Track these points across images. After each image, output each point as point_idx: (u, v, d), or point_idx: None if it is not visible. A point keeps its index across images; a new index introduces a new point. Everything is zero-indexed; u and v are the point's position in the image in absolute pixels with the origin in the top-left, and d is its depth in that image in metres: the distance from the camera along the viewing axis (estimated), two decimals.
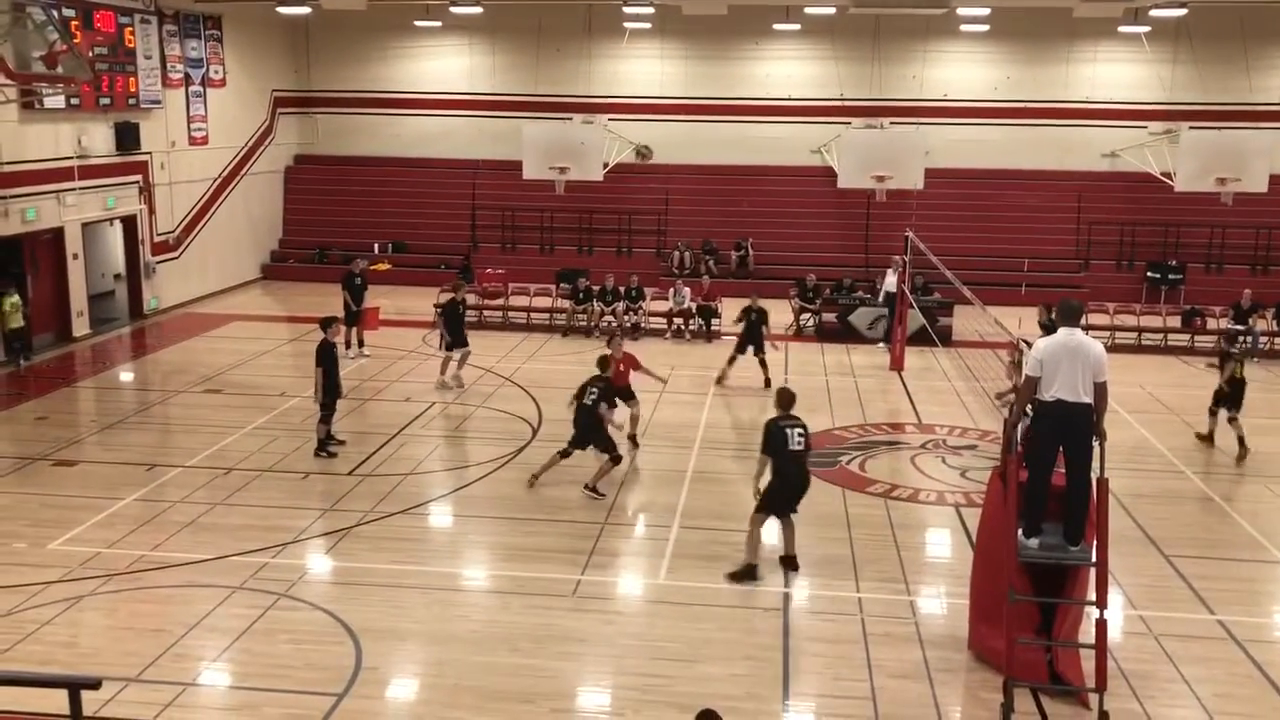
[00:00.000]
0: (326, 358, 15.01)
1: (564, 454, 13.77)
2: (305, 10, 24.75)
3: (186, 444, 15.41)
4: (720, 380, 19.11)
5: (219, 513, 12.90)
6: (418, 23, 28.74)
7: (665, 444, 16.00)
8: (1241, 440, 15.37)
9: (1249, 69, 28.24)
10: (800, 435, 11.18)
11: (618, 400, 14.99)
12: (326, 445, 15.04)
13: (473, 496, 13.68)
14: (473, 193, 29.74)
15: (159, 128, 24.58)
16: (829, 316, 23.59)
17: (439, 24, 28.82)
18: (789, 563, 11.51)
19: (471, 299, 24.37)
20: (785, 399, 11.46)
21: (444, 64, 30.89)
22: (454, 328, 18.53)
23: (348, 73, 31.05)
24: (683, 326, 23.43)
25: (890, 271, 23.18)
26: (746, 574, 11.22)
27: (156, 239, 24.81)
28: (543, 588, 11.01)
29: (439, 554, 12.07)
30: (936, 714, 8.82)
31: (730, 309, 23.99)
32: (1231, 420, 15.54)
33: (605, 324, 23.35)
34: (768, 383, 18.66)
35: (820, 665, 9.58)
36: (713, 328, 23.34)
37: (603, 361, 14.37)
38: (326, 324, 15.44)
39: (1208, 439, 16.01)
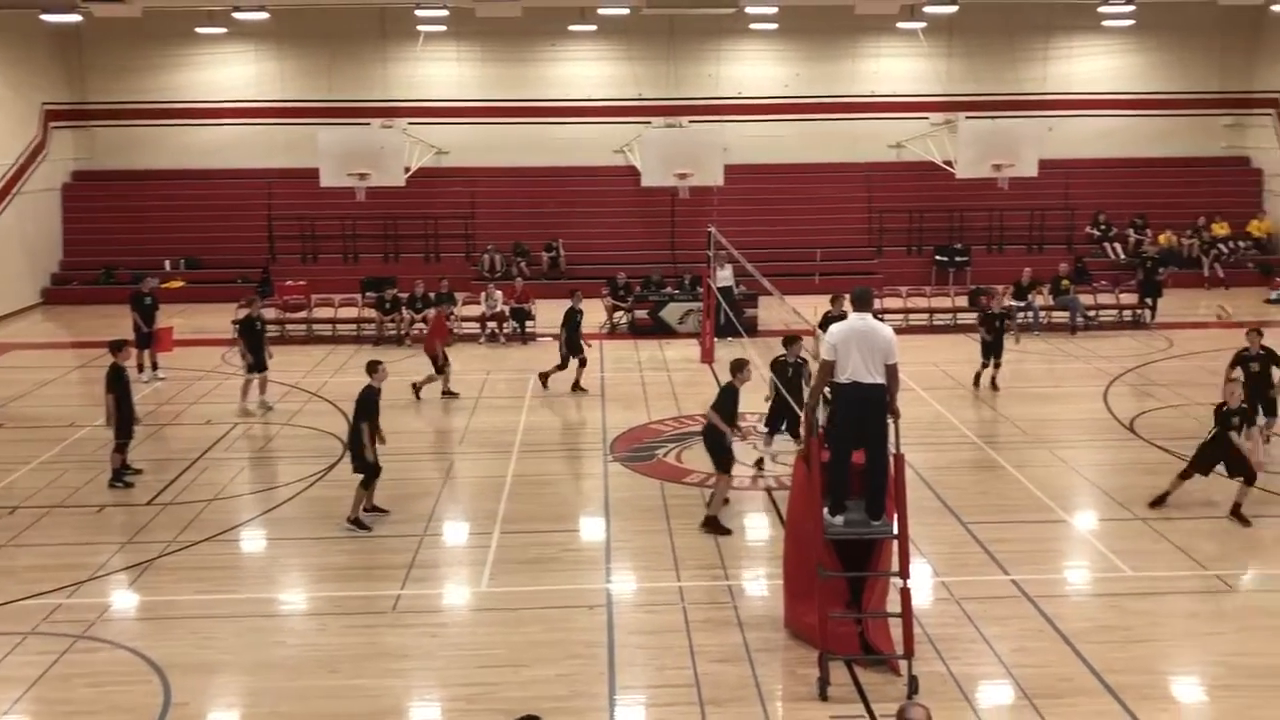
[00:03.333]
0: (117, 383, 14.22)
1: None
2: (75, 18, 23.35)
3: None
4: (577, 385, 18.84)
5: (5, 555, 12.06)
6: (200, 29, 27.53)
7: (484, 450, 15.87)
8: (994, 381, 18.35)
9: (1015, 61, 30.15)
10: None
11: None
12: (122, 475, 14.26)
13: (283, 518, 13.22)
14: (268, 203, 28.71)
15: None
16: (641, 313, 23.89)
17: (223, 30, 27.69)
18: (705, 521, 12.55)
19: (272, 313, 23.62)
20: (732, 365, 12.74)
21: (231, 71, 29.68)
22: (253, 347, 17.77)
23: (127, 83, 29.41)
24: (497, 330, 23.30)
25: (718, 266, 23.52)
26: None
27: None
28: (361, 606, 10.76)
29: (249, 580, 11.62)
30: (758, 694, 9.06)
31: (544, 310, 24.04)
32: (997, 366, 18.23)
33: (417, 331, 22.98)
34: (576, 385, 18.73)
35: (645, 657, 9.70)
36: (527, 330, 23.29)
37: (369, 366, 13.26)
38: (116, 347, 14.62)
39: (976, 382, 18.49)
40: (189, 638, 10.12)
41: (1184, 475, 12.94)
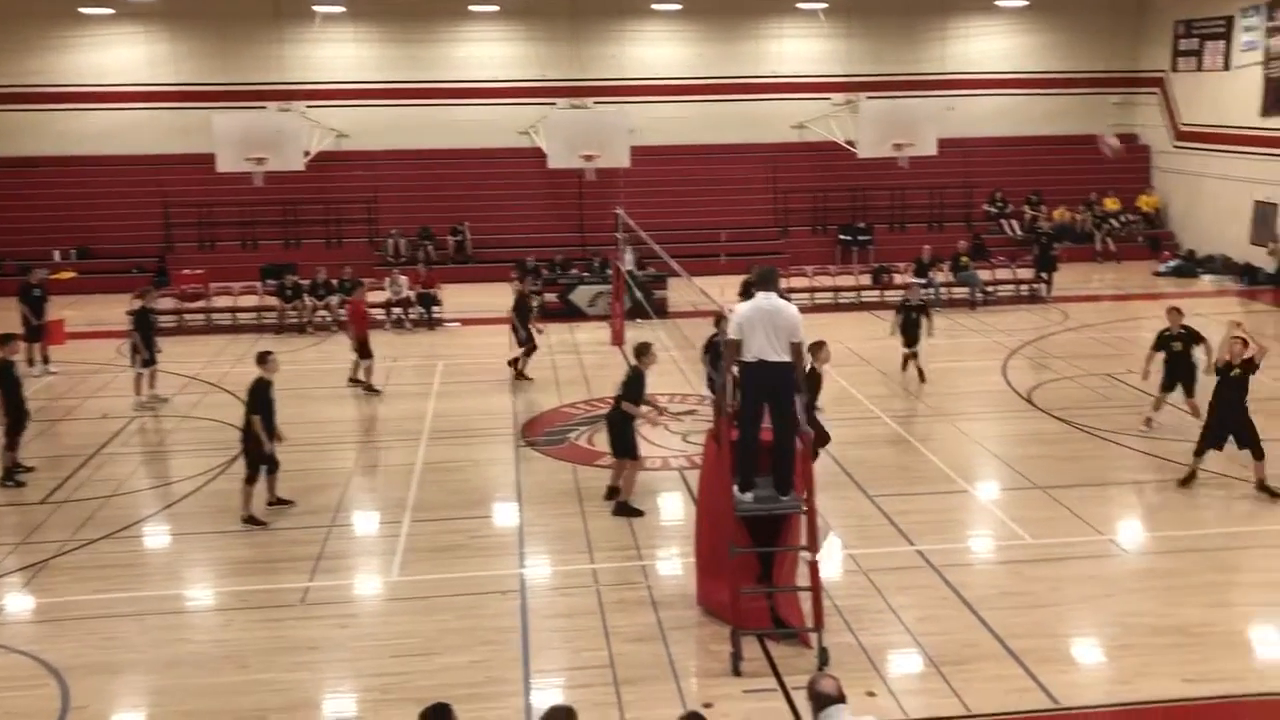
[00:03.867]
0: (6, 378, 13.69)
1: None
2: None
3: None
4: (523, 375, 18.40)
5: None
6: (85, 10, 26.55)
7: (392, 438, 15.69)
8: (920, 371, 17.71)
9: (914, 42, 30.67)
10: (621, 384, 12.85)
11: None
12: (13, 474, 13.75)
13: (185, 513, 12.89)
14: (163, 190, 27.84)
15: None
16: (550, 296, 23.80)
17: (110, 11, 26.75)
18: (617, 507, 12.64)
19: (170, 303, 22.98)
20: (636, 349, 12.99)
21: (120, 54, 28.69)
22: (148, 339, 17.17)
23: (6, 66, 28.24)
24: (403, 316, 23.00)
25: (631, 248, 23.51)
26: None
27: None
28: (269, 599, 10.55)
29: (151, 577, 11.30)
30: (672, 671, 9.13)
31: (451, 295, 23.80)
32: (913, 354, 17.69)
33: (320, 319, 22.59)
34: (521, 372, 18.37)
35: (559, 640, 9.70)
36: (434, 315, 23.03)
37: (262, 357, 12.87)
38: (3, 341, 14.06)
39: (921, 377, 17.77)
40: (88, 638, 9.81)
41: (1199, 452, 12.89)
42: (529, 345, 18.39)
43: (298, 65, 28.87)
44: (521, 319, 18.37)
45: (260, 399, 12.40)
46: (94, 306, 23.79)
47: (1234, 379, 12.63)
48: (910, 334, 17.69)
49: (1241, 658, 9.31)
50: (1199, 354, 14.70)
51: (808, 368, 12.70)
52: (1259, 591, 10.53)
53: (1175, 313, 15.04)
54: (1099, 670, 9.20)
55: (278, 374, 12.90)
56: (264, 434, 12.31)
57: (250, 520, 12.35)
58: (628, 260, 23.09)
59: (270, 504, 12.65)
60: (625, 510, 12.51)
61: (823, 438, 12.72)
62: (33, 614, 10.46)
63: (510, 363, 18.54)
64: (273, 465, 12.55)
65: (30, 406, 14.41)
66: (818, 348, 12.82)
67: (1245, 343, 12.83)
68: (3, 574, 11.17)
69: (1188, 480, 13.01)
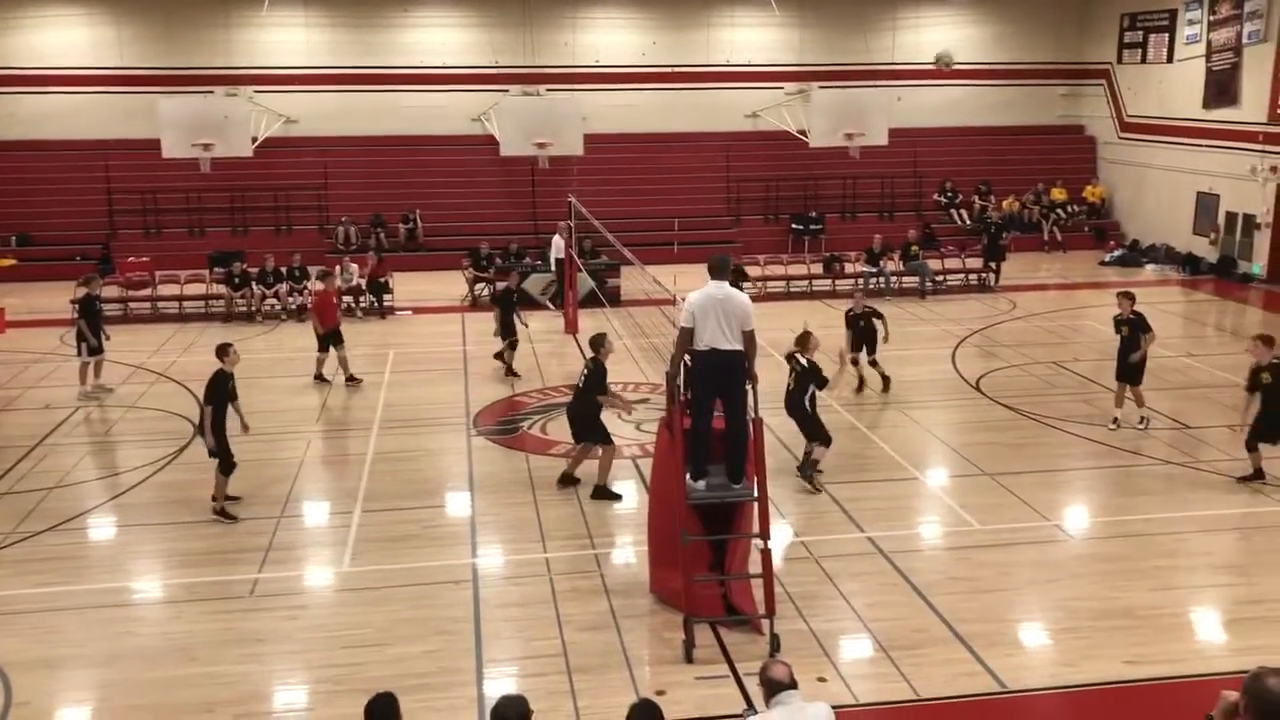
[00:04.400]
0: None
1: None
2: None
3: None
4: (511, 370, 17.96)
5: None
6: None
7: (343, 427, 15.58)
8: (885, 381, 16.78)
9: (865, 31, 30.84)
10: (583, 375, 12.82)
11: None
12: None
13: (131, 504, 12.69)
14: (106, 175, 27.35)
15: None
16: (503, 284, 23.64)
17: None
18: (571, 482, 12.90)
19: (115, 291, 22.60)
20: (591, 341, 13.02)
21: (61, 36, 28.10)
22: (94, 328, 16.80)
23: None
24: (353, 304, 22.78)
25: (557, 236, 23.56)
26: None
27: None
28: (218, 591, 10.43)
29: (96, 570, 11.12)
30: (625, 659, 9.15)
31: (402, 284, 23.61)
32: (872, 363, 16.74)
33: (268, 307, 22.34)
34: (509, 368, 18.01)
35: (512, 630, 9.69)
36: (385, 303, 22.85)
37: (222, 349, 12.57)
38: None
39: (860, 385, 16.79)
40: (30, 633, 9.64)
41: (1250, 446, 12.71)
42: (514, 339, 18.02)
43: (245, 50, 28.47)
44: (508, 312, 17.99)
45: (219, 392, 12.15)
46: (35, 294, 23.33)
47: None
48: (867, 342, 16.71)
49: (1185, 639, 9.51)
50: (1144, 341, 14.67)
51: (804, 361, 12.85)
52: (1201, 574, 10.74)
53: (1127, 298, 14.87)
54: (1045, 653, 9.35)
55: (237, 366, 12.64)
56: (210, 428, 12.08)
57: (222, 513, 12.12)
58: (558, 247, 23.05)
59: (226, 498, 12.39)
60: (604, 494, 12.63)
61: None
62: None
63: (497, 355, 18.19)
64: (228, 465, 12.23)
65: None
66: (805, 339, 13.02)
67: (1270, 341, 12.64)
68: None
69: (1252, 478, 12.77)
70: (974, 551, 11.21)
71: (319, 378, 17.59)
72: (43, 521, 12.07)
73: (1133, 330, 14.77)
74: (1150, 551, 11.18)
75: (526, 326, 18.83)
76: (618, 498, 12.64)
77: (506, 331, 17.99)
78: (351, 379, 17.44)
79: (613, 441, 12.97)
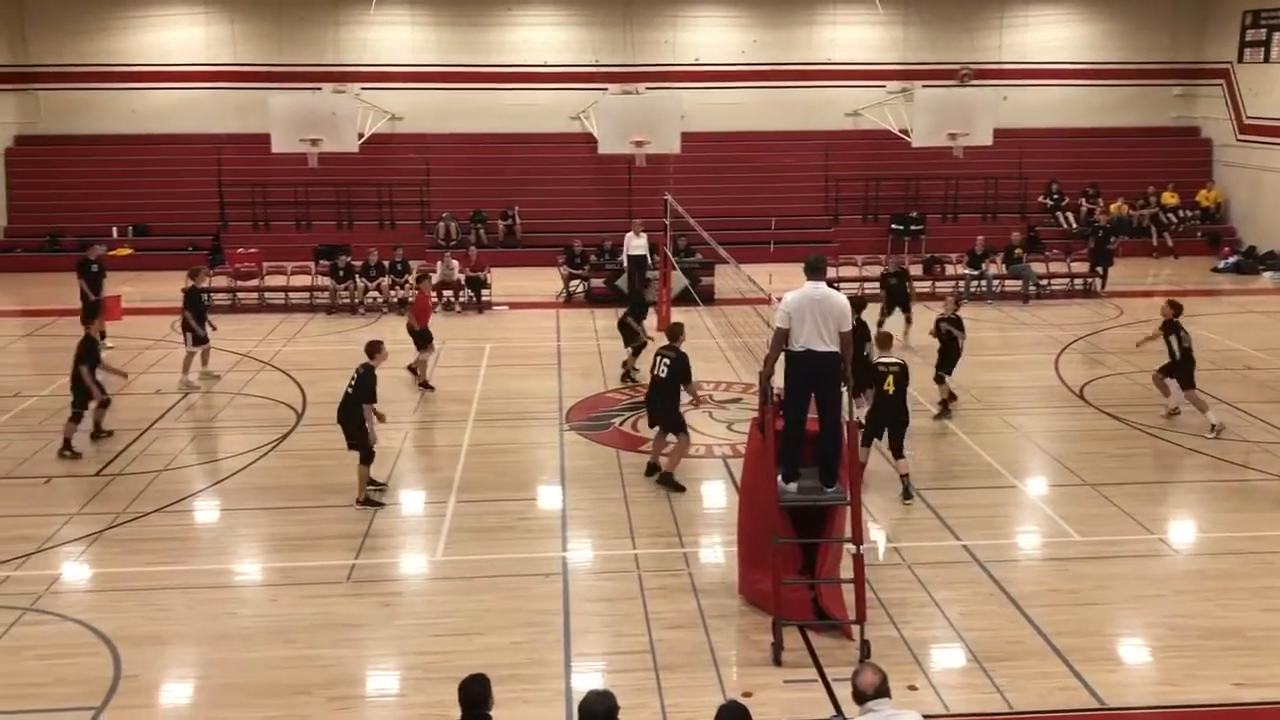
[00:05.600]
0: (89, 354, 14.14)
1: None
2: None
3: None
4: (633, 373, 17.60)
5: None
6: None
7: (440, 419, 15.82)
8: (948, 398, 15.66)
9: (971, 30, 30.24)
10: (665, 364, 12.76)
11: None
12: (71, 446, 14.05)
13: (235, 489, 13.08)
14: (219, 169, 28.22)
15: None
16: (597, 282, 23.82)
17: None
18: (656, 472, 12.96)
19: (224, 281, 23.29)
20: (671, 332, 13.17)
21: (180, 34, 29.08)
22: (200, 318, 17.28)
23: (72, 45, 28.73)
24: (452, 299, 23.13)
25: (631, 234, 23.46)
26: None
27: None
28: (315, 576, 10.69)
29: (201, 551, 11.49)
30: (712, 660, 9.13)
31: (500, 279, 23.90)
32: (939, 380, 15.70)
33: (371, 300, 22.81)
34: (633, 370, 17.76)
35: (600, 624, 9.73)
36: (483, 299, 23.15)
37: (370, 346, 12.82)
38: (89, 317, 14.75)
39: (948, 400, 15.77)
40: (139, 609, 10.01)
41: None
42: (640, 344, 17.62)
43: (354, 47, 29.11)
44: (638, 317, 17.65)
45: (369, 387, 12.27)
46: (150, 283, 24.18)
47: None
48: (900, 304, 17.74)
49: None
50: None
51: (898, 362, 12.64)
52: None
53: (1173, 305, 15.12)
54: (1146, 671, 9.07)
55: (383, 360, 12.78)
56: (362, 422, 12.27)
57: (367, 502, 12.33)
58: (637, 245, 22.93)
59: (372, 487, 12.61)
60: (670, 483, 12.72)
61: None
62: (87, 584, 10.68)
63: (625, 363, 17.79)
64: (369, 455, 12.44)
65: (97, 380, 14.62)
66: (887, 339, 13.06)
67: None
68: (59, 543, 11.41)
69: None
70: (1073, 563, 10.92)
71: (423, 384, 17.23)
72: (151, 503, 12.51)
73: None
74: (1262, 570, 10.75)
75: (650, 340, 17.74)
76: (681, 489, 12.68)
77: (631, 338, 17.71)
78: (425, 384, 17.21)
79: (688, 433, 12.98)
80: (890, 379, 12.56)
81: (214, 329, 17.80)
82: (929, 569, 10.72)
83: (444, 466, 13.77)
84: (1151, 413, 15.57)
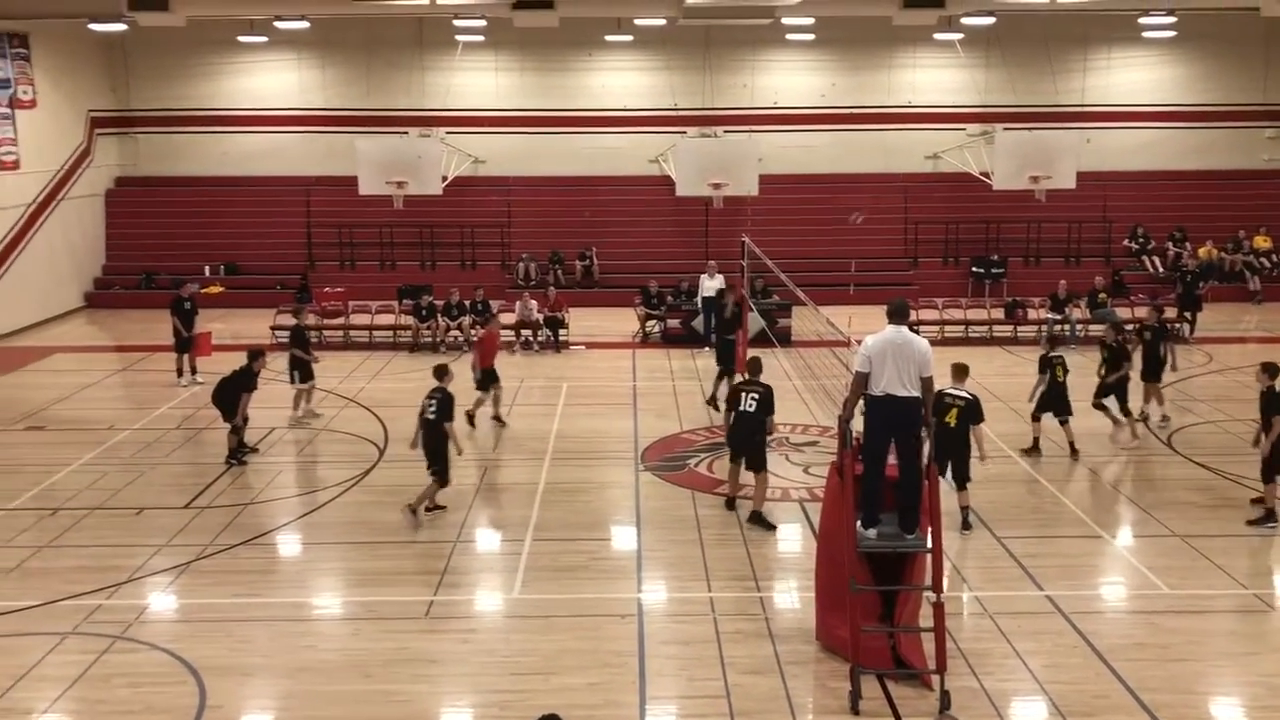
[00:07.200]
0: (246, 385, 15.40)
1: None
2: (121, 27, 23.75)
3: (8, 485, 14.55)
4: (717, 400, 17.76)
5: (46, 556, 12.25)
6: (242, 38, 27.87)
7: (517, 456, 15.96)
8: (1073, 445, 15.44)
9: (1054, 73, 29.94)
10: (753, 399, 12.79)
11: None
12: (238, 454, 15.26)
13: (318, 523, 13.34)
14: (307, 210, 29.02)
15: None
16: (673, 322, 23.91)
17: (265, 39, 28.03)
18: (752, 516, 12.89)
19: (311, 319, 23.83)
20: (753, 367, 13.43)
21: (272, 79, 30.07)
22: (304, 351, 17.76)
23: (170, 90, 29.86)
24: (531, 338, 23.40)
25: (705, 275, 23.53)
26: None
27: None
28: (394, 611, 10.83)
29: (284, 584, 11.73)
30: (789, 706, 9.04)
31: (577, 319, 24.11)
32: (1063, 423, 15.43)
33: (452, 338, 23.17)
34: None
35: (675, 667, 9.70)
36: (560, 338, 23.37)
37: (439, 370, 13.48)
38: (253, 356, 15.81)
39: (1034, 449, 15.59)
40: (224, 640, 10.23)
41: None
42: (727, 369, 17.99)
43: (438, 92, 29.79)
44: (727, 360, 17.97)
45: (449, 408, 13.15)
46: (239, 320, 24.86)
47: None
48: (1057, 399, 15.49)
49: None
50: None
51: (966, 395, 12.61)
52: None
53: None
54: None
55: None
56: (454, 436, 13.22)
57: (413, 510, 13.05)
58: (710, 287, 22.92)
59: (429, 509, 13.27)
60: (760, 521, 12.81)
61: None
62: (174, 613, 10.96)
63: (710, 400, 18.10)
64: (445, 479, 13.33)
65: (177, 414, 15.10)
66: (962, 370, 13.08)
67: None
68: (149, 574, 11.73)
69: None
70: (1162, 617, 10.61)
71: (471, 421, 17.06)
72: (237, 535, 12.80)
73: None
74: None
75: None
76: (773, 528, 12.69)
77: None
78: (498, 418, 17.40)
79: (768, 470, 13.10)
80: (954, 412, 12.49)
81: (317, 361, 18.13)
82: (1011, 619, 10.51)
83: (521, 504, 13.88)
84: (1242, 463, 15.08)
